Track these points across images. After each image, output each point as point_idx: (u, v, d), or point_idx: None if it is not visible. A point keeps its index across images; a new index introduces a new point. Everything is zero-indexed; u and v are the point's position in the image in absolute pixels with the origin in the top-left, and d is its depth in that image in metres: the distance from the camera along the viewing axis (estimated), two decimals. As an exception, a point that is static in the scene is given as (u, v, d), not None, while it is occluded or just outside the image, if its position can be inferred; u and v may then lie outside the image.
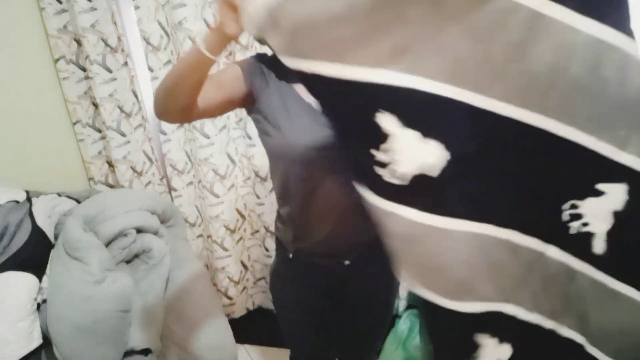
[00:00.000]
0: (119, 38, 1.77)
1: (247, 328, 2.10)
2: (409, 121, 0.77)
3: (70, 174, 1.88)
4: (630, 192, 0.75)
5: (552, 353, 0.88)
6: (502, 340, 0.88)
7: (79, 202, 1.56)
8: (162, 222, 1.65)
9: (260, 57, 1.02)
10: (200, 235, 2.10)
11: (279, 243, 1.18)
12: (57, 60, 1.75)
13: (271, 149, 1.01)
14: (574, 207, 0.77)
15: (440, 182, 0.79)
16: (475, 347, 0.88)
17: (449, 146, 0.77)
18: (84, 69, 1.79)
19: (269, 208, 1.98)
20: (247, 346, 2.06)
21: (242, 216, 2.02)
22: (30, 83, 1.70)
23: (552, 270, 0.82)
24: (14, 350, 1.18)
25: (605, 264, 0.78)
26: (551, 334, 0.86)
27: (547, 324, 0.85)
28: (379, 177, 0.81)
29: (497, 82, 0.73)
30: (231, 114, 1.85)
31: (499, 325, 0.87)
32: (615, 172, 0.74)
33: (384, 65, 0.74)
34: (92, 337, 1.22)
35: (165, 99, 0.90)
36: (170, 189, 2.00)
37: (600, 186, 0.75)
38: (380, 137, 0.77)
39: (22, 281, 1.26)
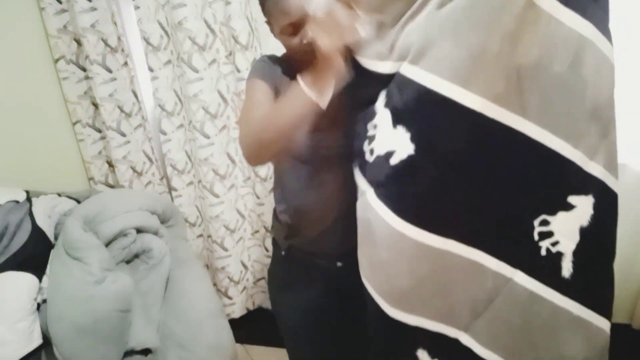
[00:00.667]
0: (119, 38, 1.77)
1: (247, 328, 2.10)
2: (387, 100, 0.78)
3: (70, 174, 1.88)
4: (595, 207, 0.72)
5: None
6: None
7: (79, 202, 1.56)
8: (162, 222, 1.65)
9: (266, 59, 1.02)
10: (200, 235, 2.10)
11: (274, 242, 1.19)
12: (57, 60, 1.75)
13: None
14: (545, 223, 0.71)
15: (398, 173, 0.75)
16: None
17: (414, 139, 0.73)
18: (84, 69, 1.79)
19: (269, 208, 1.98)
20: (247, 346, 2.06)
21: (242, 216, 2.02)
22: (30, 83, 1.70)
23: (516, 297, 0.74)
24: (14, 350, 1.18)
25: (569, 287, 0.74)
26: None
27: None
28: (364, 153, 0.82)
29: (483, 77, 0.68)
30: (231, 114, 1.85)
31: (449, 353, 0.80)
32: (585, 183, 0.71)
33: None
34: (92, 337, 1.22)
35: (269, 145, 0.84)
36: (170, 189, 2.00)
37: (571, 199, 0.71)
38: (371, 113, 0.81)
39: (22, 281, 1.26)
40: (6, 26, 1.60)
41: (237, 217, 2.00)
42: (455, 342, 0.80)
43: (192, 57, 1.70)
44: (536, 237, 0.72)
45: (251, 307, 2.20)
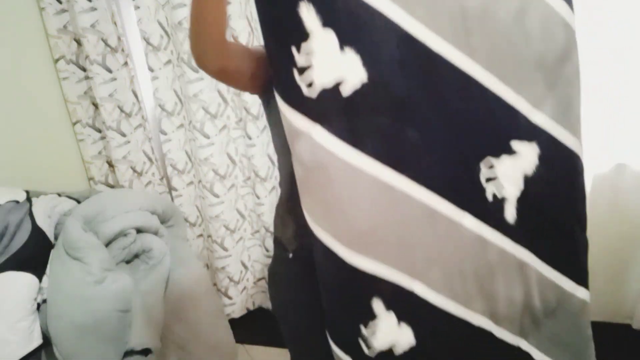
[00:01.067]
0: (119, 38, 1.77)
1: (247, 328, 2.10)
2: (327, 18, 0.69)
3: (70, 174, 1.88)
4: (541, 157, 0.73)
5: (460, 345, 0.82)
6: (402, 319, 0.80)
7: (79, 202, 1.56)
8: (162, 222, 1.65)
9: None
10: (200, 235, 2.10)
11: (277, 243, 1.18)
12: (57, 60, 1.75)
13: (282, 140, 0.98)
14: (490, 165, 0.74)
15: (352, 106, 0.72)
16: (370, 314, 0.80)
17: (366, 63, 0.70)
18: (84, 69, 1.79)
19: (269, 208, 1.98)
20: (247, 346, 2.05)
21: (242, 216, 2.02)
22: (30, 83, 1.70)
23: (467, 242, 0.76)
24: (14, 350, 1.18)
25: (515, 232, 0.76)
26: (461, 323, 0.80)
27: (457, 311, 0.80)
28: (298, 88, 0.73)
29: (430, 7, 0.69)
30: (231, 114, 1.85)
31: (402, 301, 0.79)
32: (529, 131, 0.74)
33: None
34: (92, 337, 1.22)
35: (197, 33, 0.81)
36: (171, 189, 2.00)
37: (514, 144, 0.73)
38: (301, 33, 0.70)
39: (22, 281, 1.26)
40: (6, 26, 1.60)
41: (237, 217, 2.00)
42: (411, 294, 0.79)
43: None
44: (482, 180, 0.74)
45: (251, 307, 2.20)
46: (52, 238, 1.39)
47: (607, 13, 1.46)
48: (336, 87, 0.71)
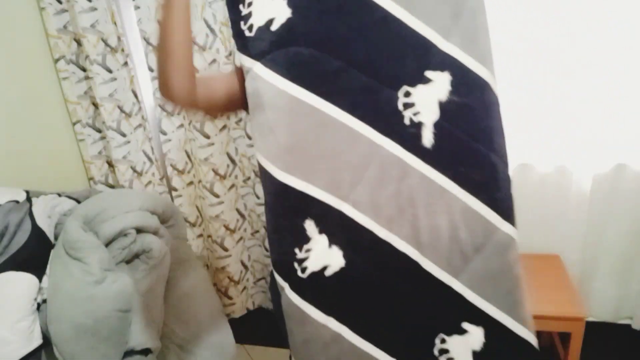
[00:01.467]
0: (119, 38, 1.77)
1: (247, 328, 2.10)
2: None
3: (70, 174, 1.88)
4: (453, 84, 0.79)
5: (387, 271, 0.86)
6: (332, 242, 0.87)
7: (79, 202, 1.56)
8: (162, 222, 1.65)
9: None
10: (200, 235, 2.10)
11: None
12: (57, 60, 1.75)
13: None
14: (407, 94, 0.80)
15: (280, 39, 0.83)
16: (304, 236, 0.87)
17: (290, 4, 0.82)
18: (84, 69, 1.79)
19: (269, 208, 1.98)
20: (247, 346, 2.06)
21: (242, 216, 2.02)
22: (30, 83, 1.70)
23: (388, 165, 0.82)
24: (14, 350, 1.18)
25: (432, 157, 0.81)
26: (386, 246, 0.85)
27: (382, 233, 0.84)
28: (243, 33, 0.86)
29: None
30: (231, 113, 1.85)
31: (332, 222, 0.85)
32: (441, 59, 0.80)
33: None
34: (92, 337, 1.22)
35: (163, 65, 0.91)
36: (170, 189, 2.00)
37: (428, 73, 0.80)
38: None
39: (22, 281, 1.26)
40: (6, 26, 1.61)
41: (237, 217, 2.00)
42: (340, 214, 0.85)
43: (192, 57, 1.70)
44: (400, 106, 0.80)
45: (251, 307, 2.21)
46: (52, 238, 1.40)
47: (607, 13, 1.46)
48: (268, 24, 0.84)
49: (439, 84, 0.80)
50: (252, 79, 0.86)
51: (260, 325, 2.16)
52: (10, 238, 1.29)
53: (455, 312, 0.85)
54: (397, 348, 0.87)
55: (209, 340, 1.58)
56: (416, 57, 0.81)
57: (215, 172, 1.89)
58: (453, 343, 0.85)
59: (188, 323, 1.57)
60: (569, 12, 1.49)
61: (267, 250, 2.11)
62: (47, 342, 1.25)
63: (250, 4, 0.86)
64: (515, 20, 1.54)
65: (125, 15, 1.84)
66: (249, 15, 0.86)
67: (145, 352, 1.32)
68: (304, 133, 0.84)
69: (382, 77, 0.82)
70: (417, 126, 0.82)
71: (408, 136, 0.82)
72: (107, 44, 1.74)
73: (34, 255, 1.32)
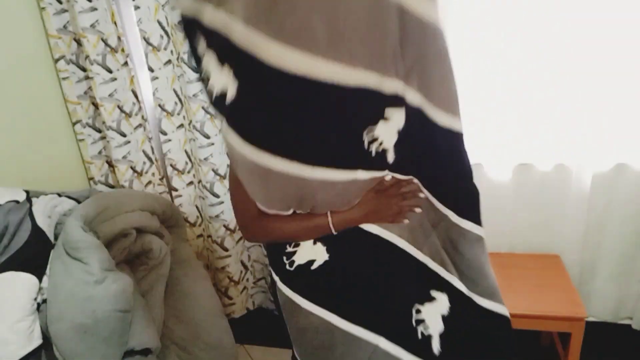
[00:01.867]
0: (119, 38, 1.77)
1: (247, 328, 2.10)
2: (209, 41, 0.81)
3: (70, 174, 1.88)
4: (407, 116, 0.85)
5: (366, 255, 0.97)
6: (317, 239, 0.97)
7: (79, 202, 1.56)
8: (162, 222, 1.65)
9: None
10: (201, 235, 2.10)
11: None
12: (57, 60, 1.75)
13: None
14: (370, 131, 0.85)
15: (233, 109, 0.84)
16: None
17: (237, 73, 0.81)
18: (84, 69, 1.79)
19: (269, 208, 1.98)
20: (247, 346, 2.06)
21: (242, 216, 2.02)
22: (30, 83, 1.70)
23: (363, 184, 0.93)
24: (14, 350, 1.18)
25: (395, 169, 0.92)
26: (363, 233, 0.97)
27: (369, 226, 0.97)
28: (211, 93, 0.86)
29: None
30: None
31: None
32: (397, 101, 0.84)
33: None
34: (92, 337, 1.22)
35: (271, 240, 1.03)
36: (171, 189, 2.00)
37: (387, 111, 0.84)
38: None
39: (22, 281, 1.26)
40: (6, 26, 1.61)
41: (237, 217, 2.00)
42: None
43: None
44: (366, 144, 0.86)
45: (251, 307, 2.20)
46: (52, 238, 1.39)
47: (607, 12, 1.46)
48: (223, 96, 0.82)
49: (397, 119, 0.85)
50: (229, 147, 0.88)
51: (260, 325, 2.15)
52: (10, 238, 1.29)
53: (424, 282, 0.97)
54: (382, 326, 0.96)
55: (209, 340, 1.58)
56: (375, 102, 0.83)
57: (215, 172, 1.89)
58: (426, 311, 0.96)
59: (188, 323, 1.57)
60: (569, 11, 1.49)
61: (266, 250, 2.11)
62: (47, 342, 1.25)
63: (208, 78, 0.85)
64: (515, 20, 1.54)
65: (125, 15, 1.84)
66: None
67: (145, 352, 1.32)
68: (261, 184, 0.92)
69: (350, 125, 0.85)
70: (382, 153, 0.89)
71: (375, 161, 0.89)
72: (107, 44, 1.74)
73: (34, 255, 1.32)
